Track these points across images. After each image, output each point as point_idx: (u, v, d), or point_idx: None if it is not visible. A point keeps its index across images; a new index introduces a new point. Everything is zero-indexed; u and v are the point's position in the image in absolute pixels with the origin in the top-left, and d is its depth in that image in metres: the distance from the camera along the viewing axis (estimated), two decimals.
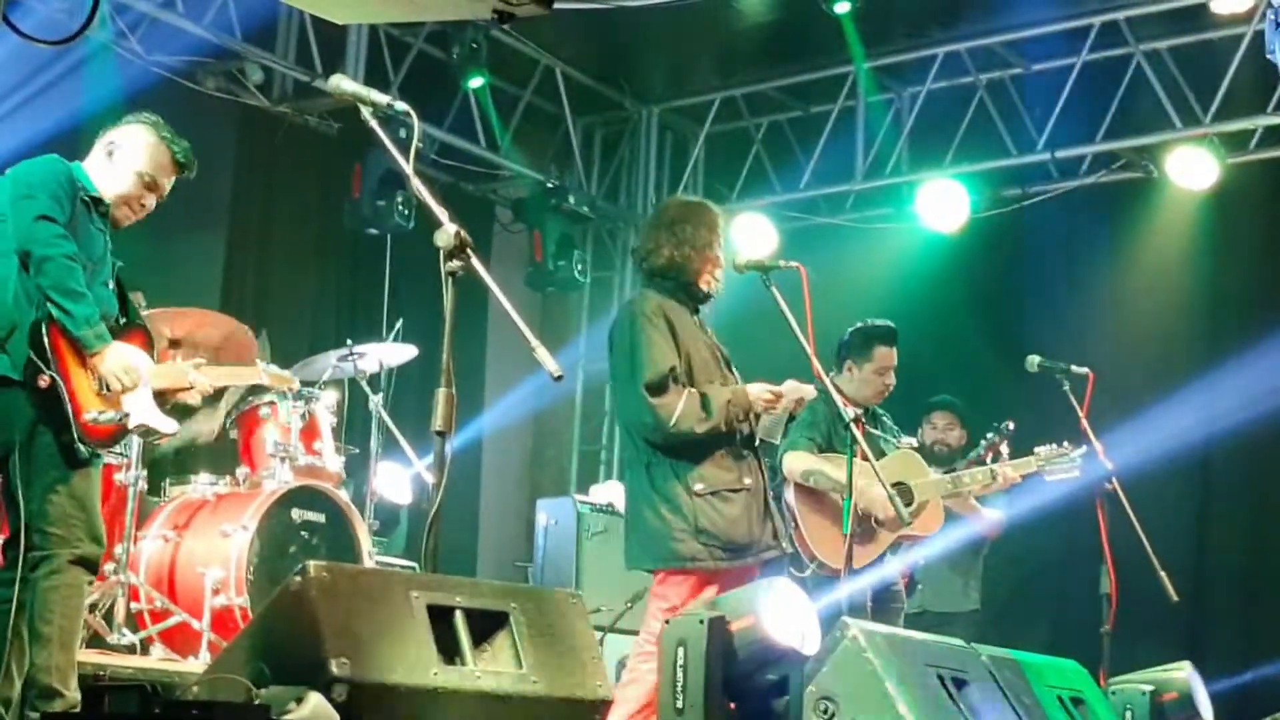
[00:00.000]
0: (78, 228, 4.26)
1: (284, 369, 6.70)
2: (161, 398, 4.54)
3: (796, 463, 6.01)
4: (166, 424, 4.56)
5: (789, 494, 6.06)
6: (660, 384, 4.83)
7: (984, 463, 6.47)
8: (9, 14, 3.13)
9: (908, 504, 6.00)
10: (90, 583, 4.25)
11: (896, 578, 6.22)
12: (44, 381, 4.08)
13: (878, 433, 6.23)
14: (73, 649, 4.12)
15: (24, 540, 4.09)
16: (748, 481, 4.90)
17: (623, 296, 10.06)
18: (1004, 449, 6.55)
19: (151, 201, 4.50)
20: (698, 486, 4.83)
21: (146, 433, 4.59)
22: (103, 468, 5.53)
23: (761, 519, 4.92)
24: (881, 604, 6.08)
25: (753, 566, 4.92)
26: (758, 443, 5.05)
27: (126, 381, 4.26)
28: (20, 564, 4.08)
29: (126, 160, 4.44)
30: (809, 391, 5.03)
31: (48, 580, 4.09)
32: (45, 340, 4.12)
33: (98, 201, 4.39)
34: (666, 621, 4.13)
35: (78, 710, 3.64)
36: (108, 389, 4.24)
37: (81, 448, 4.15)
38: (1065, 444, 6.08)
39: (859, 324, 6.31)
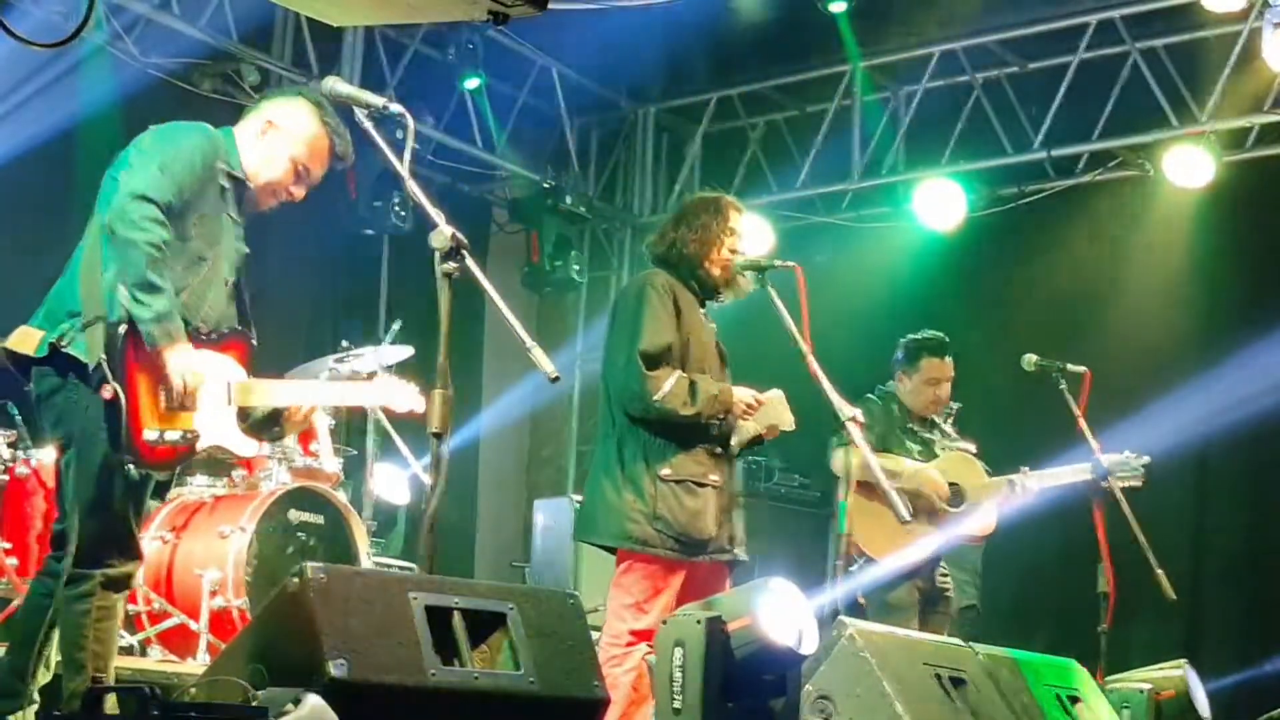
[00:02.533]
0: (205, 219, 3.95)
1: (281, 372, 6.70)
2: (246, 413, 4.16)
3: (843, 458, 6.05)
4: (244, 445, 4.19)
5: (839, 491, 6.10)
6: (656, 357, 4.81)
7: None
8: (4, 16, 3.13)
9: (959, 504, 6.06)
10: (122, 601, 4.00)
11: (949, 582, 6.25)
12: (107, 393, 3.78)
13: (933, 437, 6.28)
14: (108, 673, 3.90)
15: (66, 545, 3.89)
16: (715, 479, 4.88)
17: None
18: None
19: (302, 192, 4.20)
20: (664, 472, 4.80)
21: (220, 453, 4.22)
22: None
23: (722, 520, 4.89)
24: (931, 607, 6.10)
25: (718, 567, 4.91)
26: (734, 447, 5.04)
27: (190, 382, 3.90)
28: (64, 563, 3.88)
29: (282, 144, 4.11)
30: (786, 422, 5.01)
31: (80, 603, 3.87)
32: (120, 346, 3.82)
33: (240, 183, 4.07)
34: (664, 622, 4.12)
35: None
36: (178, 401, 3.93)
37: (132, 470, 3.87)
38: (1128, 453, 6.09)
39: (910, 336, 6.41)
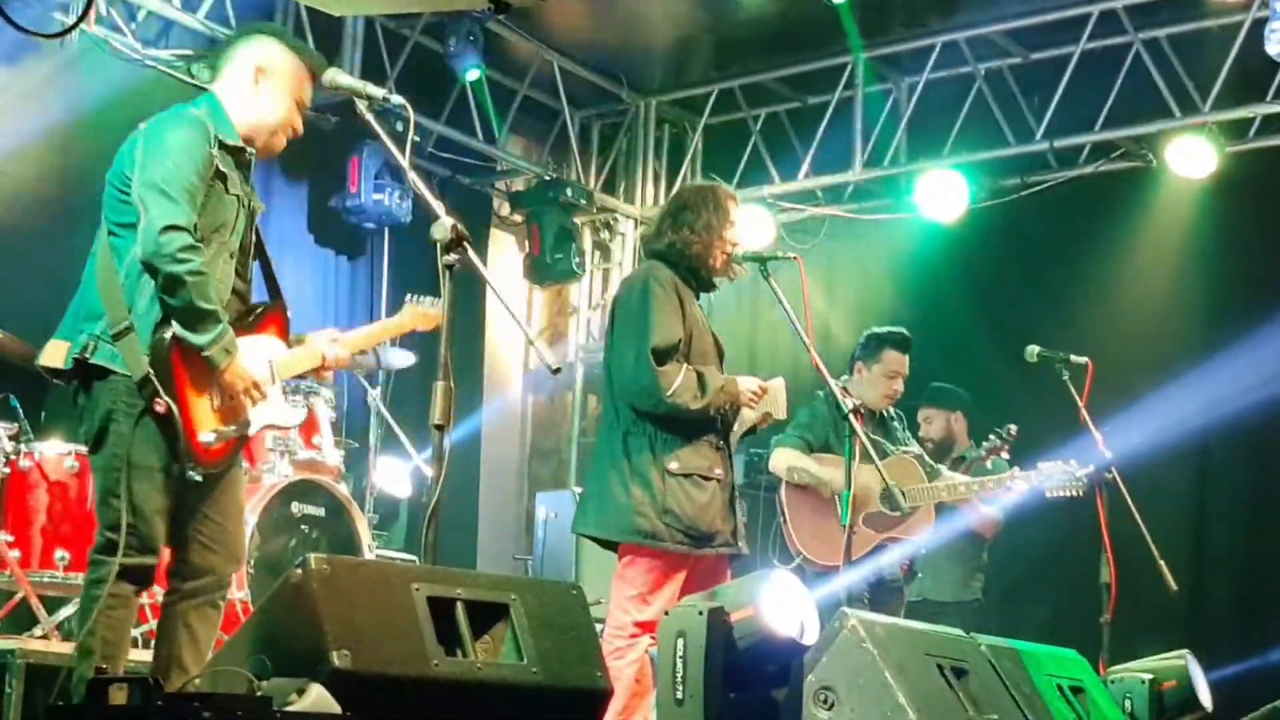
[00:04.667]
0: (207, 201, 3.95)
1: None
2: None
3: (781, 459, 6.17)
4: (291, 416, 4.30)
5: (780, 489, 6.17)
6: (666, 353, 4.82)
7: (984, 465, 6.54)
8: (5, 8, 3.13)
9: (894, 509, 6.07)
10: (138, 593, 4.02)
11: (894, 572, 6.27)
12: (160, 407, 3.82)
13: (880, 438, 6.28)
14: (116, 664, 3.91)
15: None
16: (719, 473, 4.90)
17: None
18: (1004, 454, 6.60)
19: (300, 123, 4.23)
20: (672, 466, 4.81)
21: (272, 430, 4.32)
22: None
23: (726, 513, 4.91)
24: (879, 601, 6.12)
25: (720, 559, 4.92)
26: (733, 437, 5.05)
27: (256, 397, 4.01)
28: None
29: (279, 85, 4.13)
30: (780, 410, 5.04)
31: (94, 589, 3.90)
32: (168, 358, 3.85)
33: (238, 151, 4.07)
34: (666, 613, 4.12)
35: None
36: (230, 399, 3.99)
37: (193, 475, 3.91)
38: (1071, 461, 6.12)
39: (874, 329, 6.45)
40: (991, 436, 6.75)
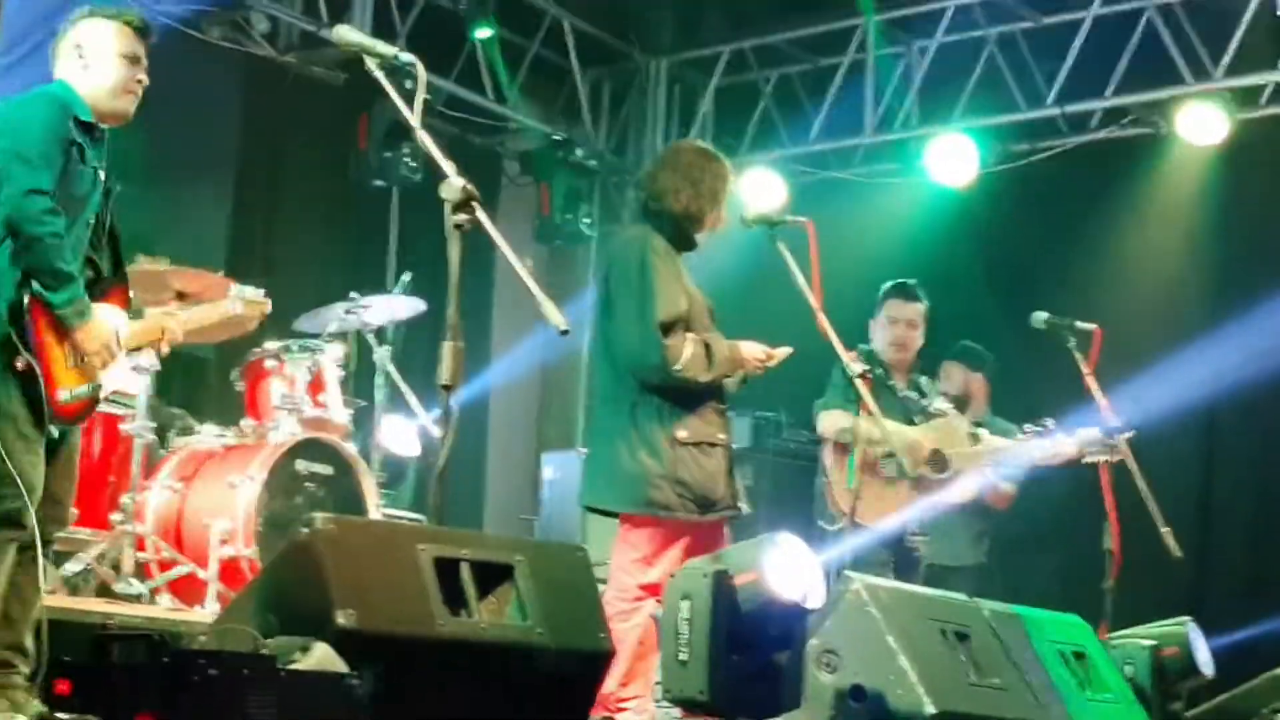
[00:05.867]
0: (65, 171, 4.12)
1: (291, 320, 6.70)
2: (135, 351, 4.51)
3: (831, 420, 6.20)
4: (134, 384, 4.59)
5: (825, 450, 6.20)
6: (671, 326, 4.79)
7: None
8: None
9: (941, 471, 6.10)
10: (13, 540, 3.99)
11: (918, 542, 6.31)
12: (20, 364, 3.99)
13: (912, 394, 6.31)
14: (9, 606, 3.97)
15: None
16: (723, 437, 4.91)
17: None
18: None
19: (143, 74, 4.34)
20: (681, 434, 4.80)
21: (117, 395, 4.52)
22: (106, 418, 5.59)
23: (729, 477, 4.93)
24: (900, 569, 6.15)
25: (720, 522, 4.94)
26: (734, 389, 5.06)
27: (106, 358, 4.20)
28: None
29: (102, 54, 4.28)
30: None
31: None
32: (26, 318, 4.02)
33: (91, 128, 4.23)
34: (672, 576, 4.14)
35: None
36: (83, 360, 4.16)
37: (53, 429, 4.07)
38: (1110, 432, 6.11)
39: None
40: (1027, 429, 6.69)
